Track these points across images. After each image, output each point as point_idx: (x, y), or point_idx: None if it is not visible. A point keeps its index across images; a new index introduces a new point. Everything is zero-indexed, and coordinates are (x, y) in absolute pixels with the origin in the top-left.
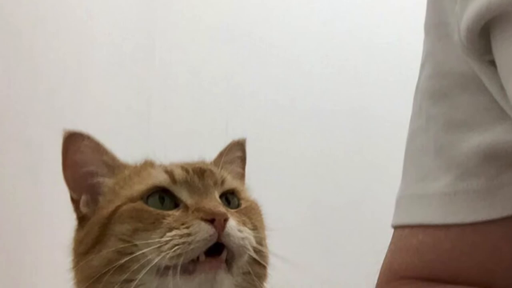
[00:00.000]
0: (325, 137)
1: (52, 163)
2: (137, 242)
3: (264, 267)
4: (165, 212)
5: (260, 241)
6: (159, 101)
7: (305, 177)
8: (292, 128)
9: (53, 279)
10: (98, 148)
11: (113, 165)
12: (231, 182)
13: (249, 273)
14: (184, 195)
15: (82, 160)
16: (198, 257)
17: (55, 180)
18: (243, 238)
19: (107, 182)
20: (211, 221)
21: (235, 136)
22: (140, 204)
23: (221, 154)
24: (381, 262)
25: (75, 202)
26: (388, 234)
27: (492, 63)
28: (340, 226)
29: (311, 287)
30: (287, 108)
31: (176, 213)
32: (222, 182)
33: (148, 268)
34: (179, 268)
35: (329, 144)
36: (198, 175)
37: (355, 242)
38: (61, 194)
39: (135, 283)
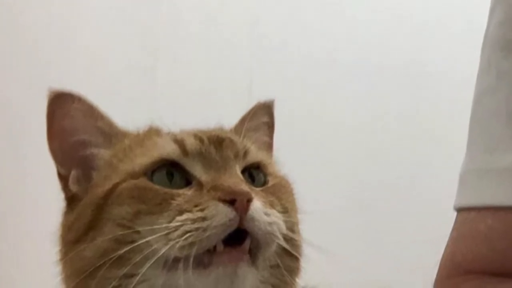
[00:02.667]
0: (371, 99)
1: (34, 131)
2: (140, 228)
3: (296, 258)
4: (175, 191)
5: (292, 226)
6: (167, 54)
7: (346, 148)
8: (330, 88)
9: (36, 273)
10: (91, 112)
11: (110, 133)
12: (255, 154)
13: (277, 266)
14: (197, 170)
15: (72, 127)
16: (215, 247)
17: (38, 151)
18: (270, 223)
19: (103, 154)
20: (231, 202)
21: (261, 97)
22: (143, 181)
23: (243, 120)
24: (441, 252)
25: (64, 178)
26: (449, 218)
27: None
28: (388, 208)
29: (352, 282)
30: (324, 62)
31: (188, 192)
32: (245, 154)
33: (153, 260)
34: (191, 260)
35: (376, 108)
36: (215, 145)
37: (407, 228)
38: (46, 169)
39: (137, 278)
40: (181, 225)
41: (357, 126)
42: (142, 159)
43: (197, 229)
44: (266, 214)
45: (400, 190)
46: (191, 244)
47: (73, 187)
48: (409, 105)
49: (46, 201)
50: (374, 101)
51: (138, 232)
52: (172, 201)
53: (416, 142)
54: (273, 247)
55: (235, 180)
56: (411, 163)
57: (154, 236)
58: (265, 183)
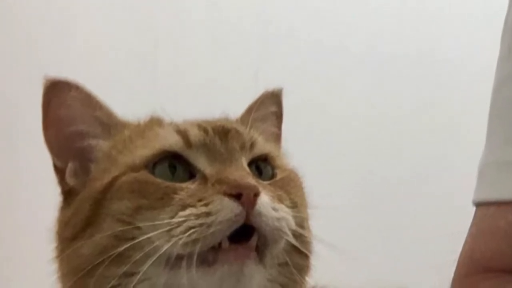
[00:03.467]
0: (383, 90)
1: (29, 121)
2: (141, 224)
3: (305, 256)
4: (177, 185)
5: (301, 222)
6: (168, 41)
7: (358, 140)
8: (341, 76)
9: (30, 271)
10: (89, 101)
11: (109, 123)
12: (263, 146)
13: (286, 264)
14: (201, 163)
15: (69, 117)
16: (220, 244)
17: (33, 143)
18: (278, 219)
19: (101, 145)
20: (237, 196)
21: (268, 85)
22: (144, 174)
23: (250, 109)
24: (458, 250)
25: (60, 171)
26: (467, 213)
27: None
28: (402, 204)
29: (365, 281)
30: (334, 50)
31: (191, 186)
32: (252, 145)
33: (154, 257)
34: (195, 258)
35: (388, 98)
36: (220, 136)
37: (422, 224)
38: (42, 161)
39: (138, 277)
40: (184, 221)
41: (369, 117)
42: (143, 151)
43: (201, 225)
44: (274, 209)
45: (415, 184)
46: (195, 241)
47: (70, 181)
48: (423, 95)
49: (41, 196)
50: (386, 91)
51: (138, 228)
52: (175, 196)
53: (431, 134)
54: (282, 244)
55: (241, 173)
56: (425, 156)
57: (155, 233)
58: (273, 176)
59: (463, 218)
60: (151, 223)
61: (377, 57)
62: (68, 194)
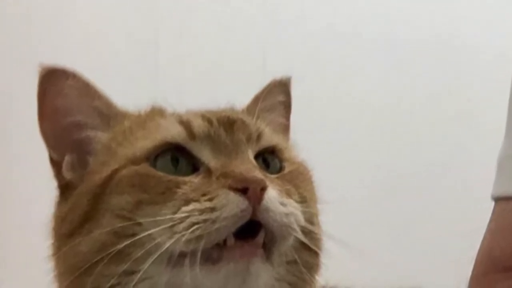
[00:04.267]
0: (399, 76)
1: (24, 111)
2: (141, 220)
3: (315, 253)
4: (180, 179)
5: (311, 218)
6: (171, 27)
7: (371, 131)
8: (353, 64)
9: (25, 269)
10: (87, 90)
11: (108, 114)
12: (270, 137)
13: (295, 262)
14: (205, 155)
15: (66, 107)
16: (225, 241)
17: (28, 134)
18: (287, 214)
19: (100, 137)
20: (243, 190)
21: (276, 73)
22: (145, 167)
23: (256, 99)
24: (477, 247)
25: (56, 164)
26: (485, 208)
27: None
28: (417, 198)
29: (377, 280)
30: (346, 35)
31: (195, 179)
32: (258, 137)
33: (156, 255)
34: (199, 255)
35: (404, 86)
36: (225, 127)
37: (438, 219)
38: (37, 153)
39: (138, 276)
40: (187, 217)
41: (383, 106)
42: (144, 143)
43: (205, 220)
44: (282, 204)
45: (431, 178)
46: (199, 238)
47: (67, 174)
48: (441, 83)
49: (36, 190)
50: (402, 78)
51: (139, 224)
52: (178, 190)
53: (449, 124)
54: (290, 241)
55: (248, 166)
56: (443, 147)
57: (157, 229)
58: (281, 169)
59: (482, 212)
60: (152, 219)
61: (392, 42)
62: (65, 188)
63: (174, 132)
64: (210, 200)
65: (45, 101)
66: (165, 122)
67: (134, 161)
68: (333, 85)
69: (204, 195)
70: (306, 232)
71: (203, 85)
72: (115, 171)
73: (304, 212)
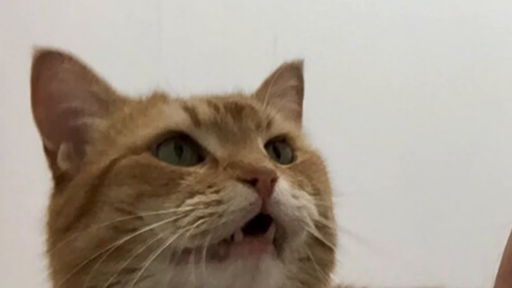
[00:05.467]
0: (420, 59)
1: (16, 96)
2: (142, 214)
3: (330, 250)
4: (184, 169)
5: (325, 211)
6: (174, 6)
7: (391, 118)
8: (370, 46)
9: (18, 267)
10: (84, 74)
11: (106, 100)
12: (281, 125)
13: (308, 259)
14: (212, 144)
15: (61, 92)
16: (233, 236)
17: (20, 121)
18: (299, 208)
19: (98, 124)
20: (252, 182)
21: (287, 56)
22: (146, 157)
23: (267, 83)
24: (504, 242)
25: (51, 154)
26: None
27: None
28: (441, 190)
29: (398, 279)
30: (362, 15)
31: (200, 170)
32: (268, 124)
33: (158, 251)
34: (204, 252)
35: (425, 69)
36: (232, 114)
37: (463, 213)
38: (30, 142)
39: (139, 274)
40: (192, 210)
41: (403, 91)
42: (146, 131)
43: (211, 214)
44: (294, 196)
45: (456, 167)
46: (204, 233)
47: (63, 164)
48: (465, 65)
49: (29, 181)
50: (423, 60)
51: (140, 218)
52: (181, 181)
53: (475, 108)
54: (303, 236)
55: (257, 155)
56: (468, 135)
57: (159, 223)
58: (292, 159)
59: (510, 205)
60: (154, 213)
61: (412, 21)
62: (60, 179)
63: (177, 119)
64: (216, 192)
65: (39, 85)
66: (168, 108)
67: (135, 150)
68: (349, 68)
69: (210, 187)
70: (320, 226)
71: (209, 69)
72: (114, 161)
73: (317, 205)
